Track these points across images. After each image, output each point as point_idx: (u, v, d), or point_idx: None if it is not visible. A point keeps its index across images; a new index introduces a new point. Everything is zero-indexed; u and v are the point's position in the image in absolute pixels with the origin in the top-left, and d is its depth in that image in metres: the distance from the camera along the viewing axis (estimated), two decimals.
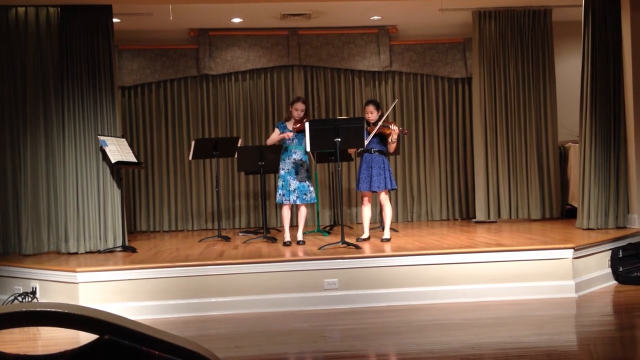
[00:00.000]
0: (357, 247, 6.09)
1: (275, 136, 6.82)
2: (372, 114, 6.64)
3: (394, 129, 6.51)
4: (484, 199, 8.61)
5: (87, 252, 6.70)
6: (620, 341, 4.53)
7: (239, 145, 7.81)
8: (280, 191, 6.68)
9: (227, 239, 7.50)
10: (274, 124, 9.07)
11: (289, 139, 6.69)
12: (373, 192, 6.67)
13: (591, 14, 7.31)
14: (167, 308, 5.51)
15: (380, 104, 7.29)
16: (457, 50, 9.48)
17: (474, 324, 4.97)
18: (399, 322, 5.12)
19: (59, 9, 6.93)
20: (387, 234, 6.73)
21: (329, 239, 7.14)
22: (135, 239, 8.01)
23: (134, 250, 6.70)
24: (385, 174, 6.57)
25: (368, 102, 6.76)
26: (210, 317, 5.43)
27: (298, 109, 6.68)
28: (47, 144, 6.88)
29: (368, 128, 6.61)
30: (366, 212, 6.78)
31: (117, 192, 6.88)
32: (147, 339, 1.08)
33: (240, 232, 8.57)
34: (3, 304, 5.77)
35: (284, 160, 6.72)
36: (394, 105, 7.20)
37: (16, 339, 4.80)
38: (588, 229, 7.20)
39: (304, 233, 6.95)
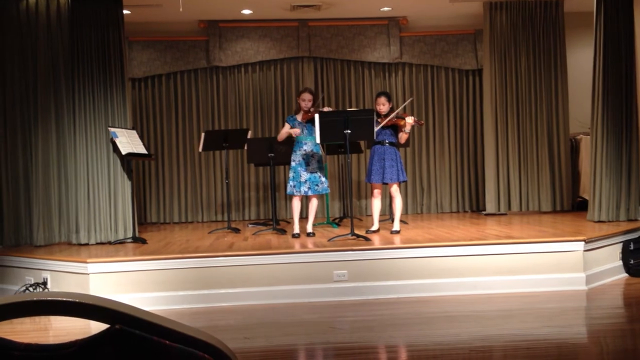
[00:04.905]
0: (367, 239, 6.09)
1: (283, 132, 6.79)
2: (383, 106, 6.62)
3: (409, 120, 6.48)
4: (494, 191, 8.57)
5: (97, 243, 6.72)
6: (631, 334, 4.51)
7: (248, 137, 7.82)
8: (291, 182, 6.67)
9: (236, 230, 7.52)
10: (284, 115, 9.10)
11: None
12: (384, 184, 6.66)
13: (603, 4, 7.24)
14: (177, 299, 5.53)
15: (391, 95, 7.27)
16: (468, 42, 9.43)
17: (484, 316, 4.97)
18: (408, 314, 5.12)
19: (69, 0, 6.94)
20: (396, 226, 6.72)
21: (338, 230, 7.14)
22: (145, 231, 8.05)
23: (144, 241, 6.72)
24: (397, 166, 6.56)
25: (380, 94, 6.74)
26: (220, 308, 5.45)
27: (305, 100, 6.67)
28: (58, 135, 6.91)
29: (379, 119, 6.59)
30: (376, 204, 6.77)
31: (128, 184, 6.90)
32: (159, 329, 1.08)
33: (250, 223, 8.59)
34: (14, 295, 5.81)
35: (295, 151, 6.72)
36: (405, 105, 7.15)
37: (27, 329, 4.84)
38: (599, 221, 7.17)
39: (313, 225, 6.94)
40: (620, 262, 6.31)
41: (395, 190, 6.66)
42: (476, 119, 9.50)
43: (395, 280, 5.65)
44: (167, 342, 1.08)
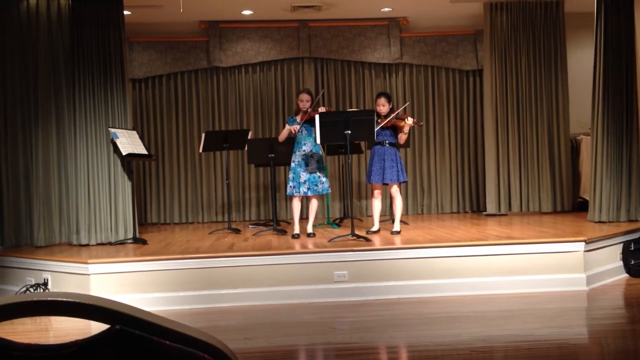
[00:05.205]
0: (367, 240, 6.08)
1: (284, 133, 6.82)
2: (383, 107, 6.62)
3: (408, 121, 6.49)
4: (494, 192, 8.57)
5: (98, 244, 6.72)
6: (632, 334, 4.51)
7: (249, 137, 7.82)
8: (290, 183, 6.67)
9: (237, 231, 7.51)
10: (284, 116, 9.10)
11: (298, 132, 6.68)
12: (385, 184, 6.66)
13: (604, 5, 7.24)
14: (178, 300, 5.53)
15: (391, 96, 7.26)
16: (468, 42, 9.43)
17: (485, 316, 4.96)
18: (409, 314, 5.12)
19: (70, 0, 6.94)
20: (397, 226, 6.72)
21: (338, 231, 7.13)
22: (145, 231, 8.04)
23: (144, 242, 6.72)
24: (397, 166, 6.57)
25: (379, 95, 6.75)
26: (220, 309, 5.45)
27: (303, 100, 6.68)
28: (59, 136, 6.91)
29: (379, 120, 6.59)
30: (376, 204, 6.76)
31: (128, 184, 6.90)
32: (159, 329, 1.08)
33: (250, 224, 8.59)
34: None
35: (295, 152, 6.72)
36: (405, 107, 7.16)
37: (28, 330, 4.84)
38: (600, 222, 7.16)
39: (314, 225, 6.94)
40: (621, 263, 6.30)
41: (395, 190, 6.67)
42: (477, 120, 9.50)
43: (396, 280, 5.65)
44: (167, 342, 1.08)
